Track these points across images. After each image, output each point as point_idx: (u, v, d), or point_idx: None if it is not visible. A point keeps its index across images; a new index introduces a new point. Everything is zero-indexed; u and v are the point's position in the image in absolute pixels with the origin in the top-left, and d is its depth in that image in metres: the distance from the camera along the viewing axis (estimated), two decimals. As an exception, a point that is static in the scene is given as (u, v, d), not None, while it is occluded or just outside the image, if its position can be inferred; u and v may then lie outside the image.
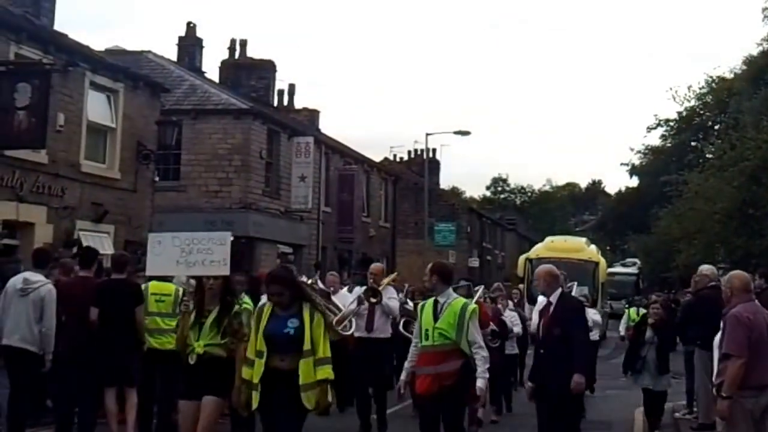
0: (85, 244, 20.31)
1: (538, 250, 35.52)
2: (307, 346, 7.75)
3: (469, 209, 64.16)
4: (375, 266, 13.87)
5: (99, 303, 11.34)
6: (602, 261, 35.49)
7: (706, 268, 14.45)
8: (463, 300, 9.32)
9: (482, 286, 14.69)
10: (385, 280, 13.42)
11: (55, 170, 20.90)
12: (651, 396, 13.63)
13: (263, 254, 30.39)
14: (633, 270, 59.53)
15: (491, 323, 13.76)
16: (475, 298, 12.41)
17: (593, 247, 37.47)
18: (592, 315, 16.54)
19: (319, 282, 15.20)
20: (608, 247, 77.62)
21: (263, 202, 31.31)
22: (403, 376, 9.46)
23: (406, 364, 9.47)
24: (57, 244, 19.95)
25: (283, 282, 8.16)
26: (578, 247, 35.23)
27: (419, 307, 9.79)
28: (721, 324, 8.34)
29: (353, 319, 13.04)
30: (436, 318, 9.03)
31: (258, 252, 30.15)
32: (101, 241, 21.51)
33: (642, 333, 13.52)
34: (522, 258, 35.52)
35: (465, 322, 8.95)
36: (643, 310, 24.24)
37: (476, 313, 9.17)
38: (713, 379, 8.48)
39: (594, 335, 16.40)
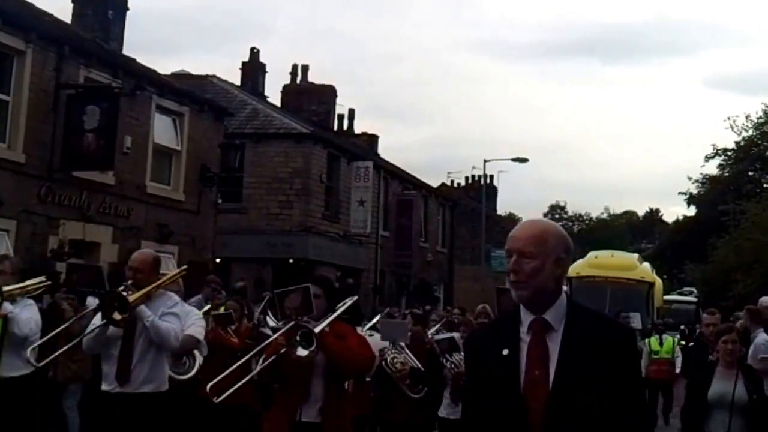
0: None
1: (578, 267, 28.06)
2: None
3: (527, 236, 63.92)
4: (139, 255, 7.95)
5: None
6: (658, 282, 30.02)
7: (766, 300, 14.21)
8: None
9: (355, 297, 8.33)
10: (163, 280, 7.91)
11: (122, 191, 21.27)
12: None
13: (322, 278, 30.59)
14: (691, 298, 58.43)
15: (407, 358, 8.66)
16: (332, 317, 6.95)
17: (646, 264, 31.59)
18: None
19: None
20: (665, 276, 77.00)
21: (323, 225, 31.52)
22: None
23: None
24: (122, 265, 20.33)
25: None
26: (628, 263, 29.42)
27: None
28: None
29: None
30: None
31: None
32: (165, 262, 21.84)
33: (703, 385, 7.83)
34: None
35: None
36: (666, 337, 20.07)
37: None
38: None
39: None
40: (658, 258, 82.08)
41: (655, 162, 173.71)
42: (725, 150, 60.03)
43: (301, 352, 6.48)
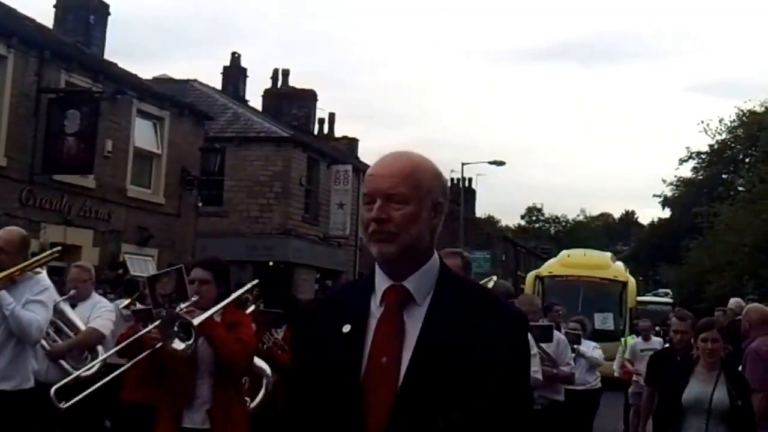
0: (130, 267, 20.80)
1: (551, 265, 29.24)
2: None
3: (504, 238, 64.24)
4: (5, 233, 6.73)
5: None
6: (631, 281, 28.97)
7: (732, 302, 14.35)
8: None
9: (256, 281, 7.78)
10: (30, 261, 6.77)
11: (102, 195, 21.36)
12: None
13: (302, 279, 30.73)
14: (667, 300, 58.63)
15: None
16: (222, 304, 6.05)
17: (620, 264, 31.36)
18: (591, 350, 12.62)
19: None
20: (641, 278, 77.46)
21: (302, 228, 31.63)
22: None
23: None
24: (103, 267, 20.43)
25: None
26: (601, 262, 29.10)
27: None
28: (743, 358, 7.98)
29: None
30: None
31: (297, 277, 30.48)
32: (146, 265, 21.96)
33: (677, 388, 6.72)
34: (531, 275, 29.80)
35: None
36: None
37: None
38: None
39: (594, 380, 12.66)
40: (634, 259, 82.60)
41: (630, 165, 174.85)
42: (699, 153, 60.54)
43: (178, 344, 5.52)
